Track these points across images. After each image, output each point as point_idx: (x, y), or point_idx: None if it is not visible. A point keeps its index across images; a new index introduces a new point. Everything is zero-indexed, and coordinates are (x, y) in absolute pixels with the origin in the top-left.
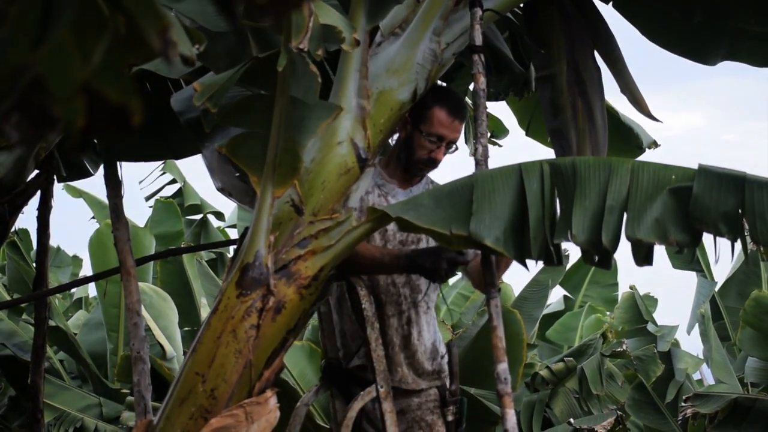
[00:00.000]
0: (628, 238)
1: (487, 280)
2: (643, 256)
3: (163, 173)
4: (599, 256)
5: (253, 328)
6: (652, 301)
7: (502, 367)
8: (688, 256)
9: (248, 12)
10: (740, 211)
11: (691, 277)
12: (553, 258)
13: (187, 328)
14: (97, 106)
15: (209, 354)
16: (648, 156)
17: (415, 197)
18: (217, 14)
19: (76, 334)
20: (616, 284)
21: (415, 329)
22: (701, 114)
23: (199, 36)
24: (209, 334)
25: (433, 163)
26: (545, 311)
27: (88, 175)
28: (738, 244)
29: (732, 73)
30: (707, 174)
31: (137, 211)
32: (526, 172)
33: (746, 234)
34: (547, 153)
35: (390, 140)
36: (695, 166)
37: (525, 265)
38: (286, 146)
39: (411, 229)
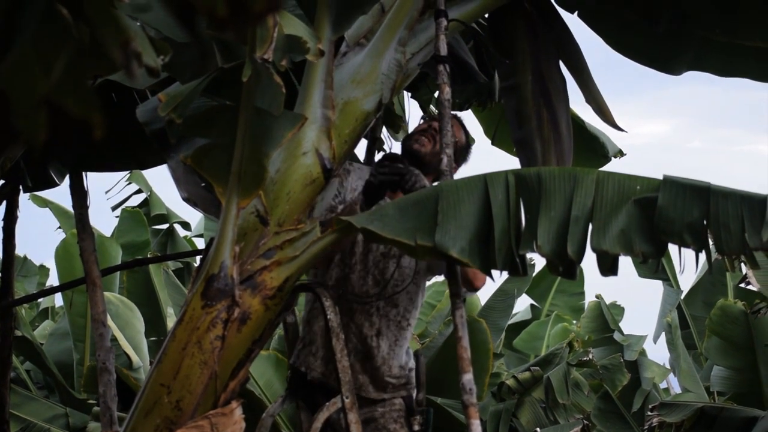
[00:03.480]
0: (594, 249)
1: (452, 290)
2: (608, 266)
3: (129, 183)
4: (564, 266)
5: (219, 339)
6: (618, 309)
7: (467, 377)
8: (653, 266)
9: (210, 25)
10: (705, 221)
11: (658, 286)
12: (518, 268)
13: (153, 338)
14: (59, 120)
15: (174, 365)
16: (614, 164)
17: (381, 207)
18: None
19: (42, 344)
20: (583, 293)
21: (384, 342)
22: (668, 122)
23: (165, 47)
24: (174, 345)
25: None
26: (512, 320)
27: (54, 185)
28: (703, 255)
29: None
30: (672, 185)
31: (104, 221)
32: (491, 183)
33: (711, 244)
34: (513, 162)
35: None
36: (661, 174)
37: (490, 275)
38: (251, 157)
39: (376, 239)
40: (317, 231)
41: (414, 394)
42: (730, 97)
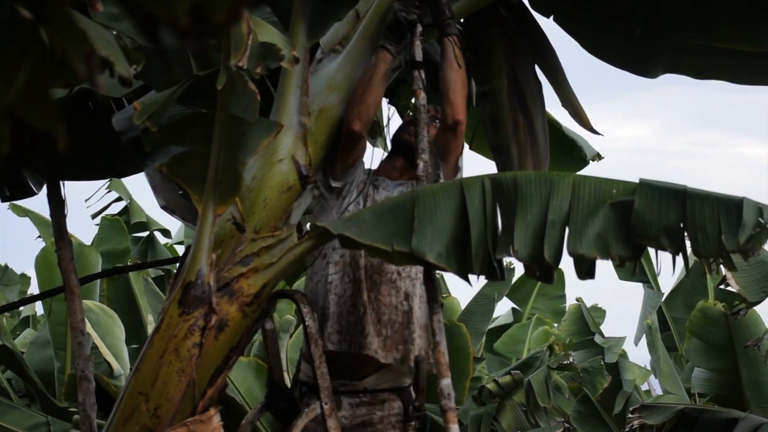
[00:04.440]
0: (570, 253)
1: (429, 295)
2: (585, 270)
3: (109, 191)
4: (541, 270)
5: (196, 346)
6: (599, 312)
7: (446, 382)
8: (632, 269)
9: (172, 35)
10: (681, 224)
11: (641, 287)
12: (495, 273)
13: (134, 345)
14: (22, 133)
15: (152, 373)
16: (593, 168)
17: (358, 213)
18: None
19: (23, 352)
20: (564, 296)
21: (415, 303)
22: (647, 124)
23: (137, 56)
24: (152, 353)
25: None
26: (493, 324)
27: (32, 194)
28: (680, 257)
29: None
30: (648, 188)
31: (84, 229)
32: (467, 188)
33: (688, 247)
34: (491, 166)
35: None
36: (639, 178)
37: (468, 280)
38: (227, 164)
39: (353, 245)
40: (294, 237)
41: (412, 395)
42: (708, 99)
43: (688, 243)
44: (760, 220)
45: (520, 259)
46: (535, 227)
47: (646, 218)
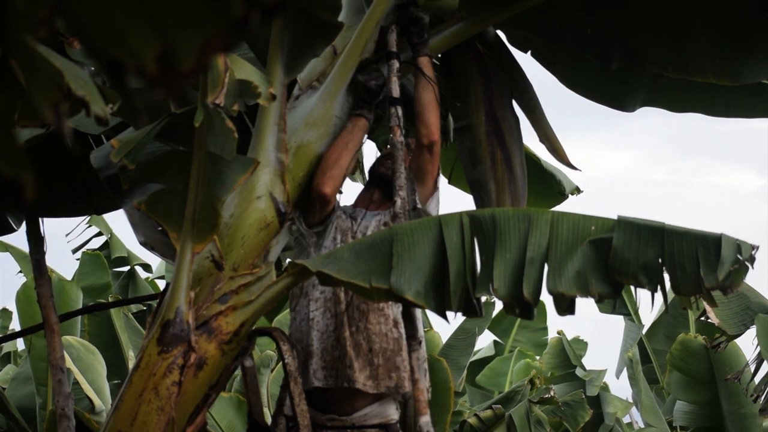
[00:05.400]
0: (550, 291)
1: (408, 332)
2: (564, 307)
3: (89, 226)
4: (521, 308)
5: (175, 384)
6: (581, 344)
7: (425, 419)
8: (610, 305)
9: (140, 83)
10: (660, 261)
11: (622, 318)
12: (474, 310)
13: (116, 381)
14: None
15: (131, 411)
16: (573, 200)
17: (336, 250)
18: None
19: (4, 388)
20: (546, 328)
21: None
22: (629, 154)
23: (113, 95)
24: (131, 392)
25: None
26: (475, 357)
27: (11, 230)
28: (659, 294)
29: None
30: (626, 225)
31: (64, 264)
32: (445, 225)
33: (667, 283)
34: (470, 200)
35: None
36: (623, 208)
37: (445, 317)
38: (205, 201)
39: (331, 282)
40: (272, 275)
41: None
42: (689, 128)
43: (667, 279)
44: (738, 256)
45: (499, 297)
46: (514, 265)
47: (624, 256)
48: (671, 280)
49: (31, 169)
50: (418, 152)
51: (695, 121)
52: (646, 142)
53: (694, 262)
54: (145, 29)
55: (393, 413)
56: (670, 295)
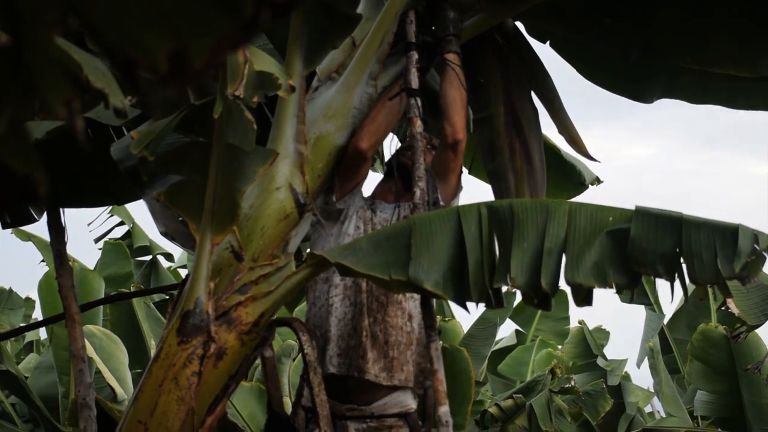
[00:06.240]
0: (568, 282)
1: (426, 323)
2: (582, 297)
3: (112, 215)
4: (539, 298)
5: (195, 375)
6: (603, 334)
7: (444, 410)
8: (629, 295)
9: (152, 80)
10: (677, 251)
11: (643, 310)
12: (492, 301)
13: (138, 370)
14: (0, 177)
15: (151, 402)
16: (595, 190)
17: (355, 241)
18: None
19: (27, 377)
20: (568, 318)
21: (417, 324)
22: (653, 144)
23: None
24: (151, 382)
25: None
26: (497, 346)
27: (32, 221)
28: (678, 284)
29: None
30: (644, 215)
31: (87, 253)
32: (464, 216)
33: (685, 274)
34: (489, 190)
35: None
36: (635, 205)
37: (465, 307)
38: (224, 193)
39: (350, 273)
40: (292, 266)
41: (419, 422)
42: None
43: (685, 269)
44: (756, 247)
45: (517, 287)
46: (532, 255)
47: (642, 246)
48: (688, 270)
49: (43, 166)
50: (442, 150)
51: (721, 109)
52: (671, 132)
53: (711, 252)
54: (157, 28)
55: (411, 402)
56: (690, 286)
